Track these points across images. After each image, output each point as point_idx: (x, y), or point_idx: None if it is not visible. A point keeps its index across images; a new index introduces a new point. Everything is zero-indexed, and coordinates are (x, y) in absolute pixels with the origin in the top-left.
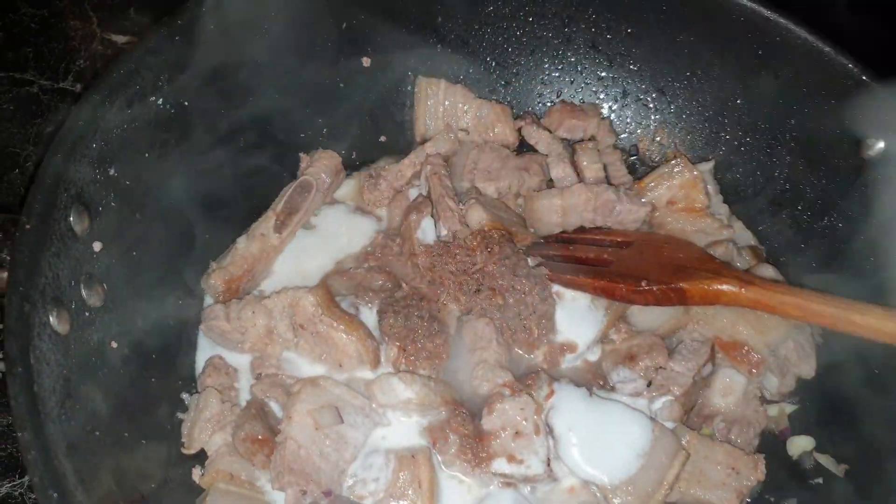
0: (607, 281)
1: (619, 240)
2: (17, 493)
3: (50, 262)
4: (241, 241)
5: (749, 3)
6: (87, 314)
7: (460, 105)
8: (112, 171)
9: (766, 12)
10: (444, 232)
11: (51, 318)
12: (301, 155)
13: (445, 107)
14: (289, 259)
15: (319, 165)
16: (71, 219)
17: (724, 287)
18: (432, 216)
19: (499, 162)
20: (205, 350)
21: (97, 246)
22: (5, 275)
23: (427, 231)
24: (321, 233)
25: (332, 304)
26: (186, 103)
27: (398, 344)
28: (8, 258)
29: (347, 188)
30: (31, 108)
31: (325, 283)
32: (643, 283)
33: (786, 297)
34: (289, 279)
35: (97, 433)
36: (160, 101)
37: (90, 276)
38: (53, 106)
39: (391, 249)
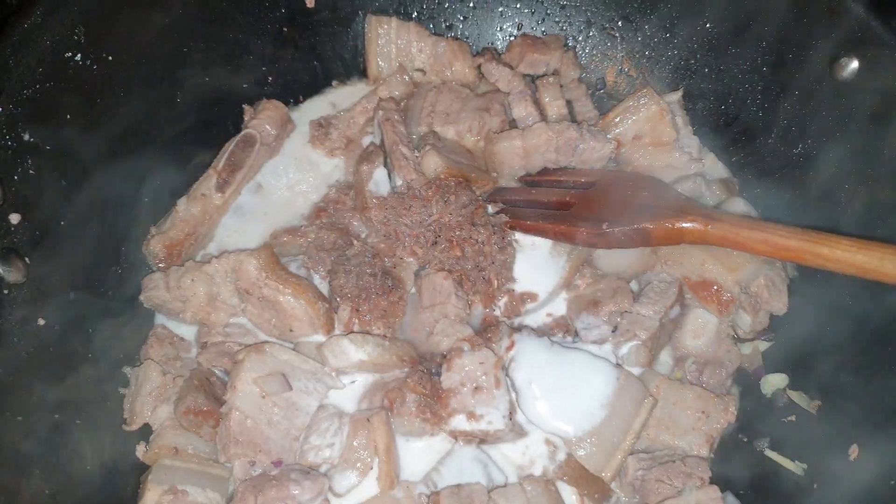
0: (567, 225)
1: (582, 180)
2: None
3: None
4: (182, 203)
5: None
6: (5, 292)
7: (414, 43)
8: (26, 136)
9: None
10: (398, 182)
11: None
12: (244, 107)
13: (398, 46)
14: (233, 220)
15: (263, 117)
16: None
17: (689, 225)
18: (386, 166)
19: (458, 103)
20: (149, 320)
21: (15, 218)
22: None
23: (380, 182)
24: (267, 190)
25: (277, 267)
26: (110, 58)
27: (350, 304)
28: None
29: (296, 139)
30: None
31: (270, 244)
32: (604, 226)
33: (752, 233)
34: (234, 242)
35: (29, 422)
36: (78, 57)
37: (8, 251)
38: None
39: (345, 204)
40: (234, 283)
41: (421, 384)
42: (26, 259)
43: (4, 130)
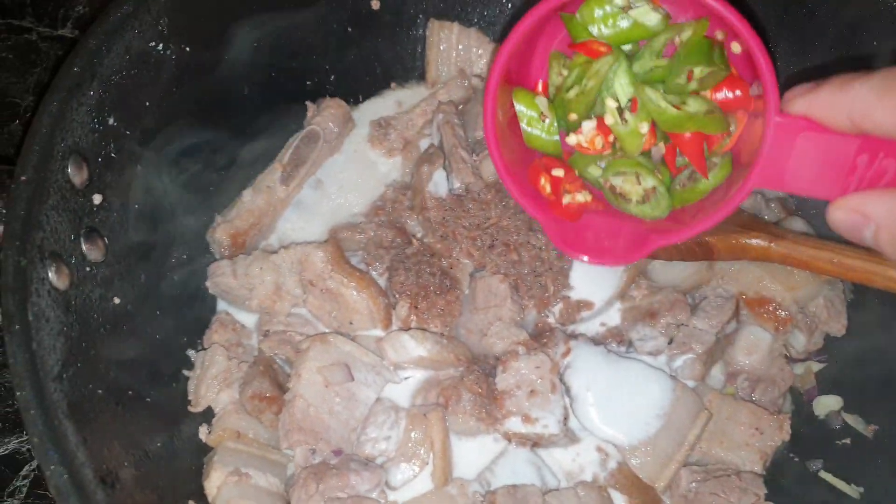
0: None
1: None
2: (24, 449)
3: (47, 216)
4: (247, 194)
5: None
6: (87, 269)
7: (474, 49)
8: (111, 121)
9: None
10: (456, 185)
11: (49, 274)
12: (307, 104)
13: (459, 51)
14: (294, 214)
15: (326, 114)
16: (69, 170)
17: (753, 241)
18: (444, 168)
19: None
20: (212, 305)
21: (97, 198)
22: (0, 228)
23: (439, 184)
24: (327, 186)
25: (342, 260)
26: (188, 49)
27: (409, 301)
28: (3, 211)
29: (356, 138)
30: (29, 56)
31: (335, 238)
32: None
33: (818, 252)
34: (295, 235)
35: (99, 391)
36: (160, 47)
37: (90, 230)
38: (52, 54)
39: (402, 203)
40: (299, 273)
41: (478, 384)
42: (105, 239)
43: (94, 114)
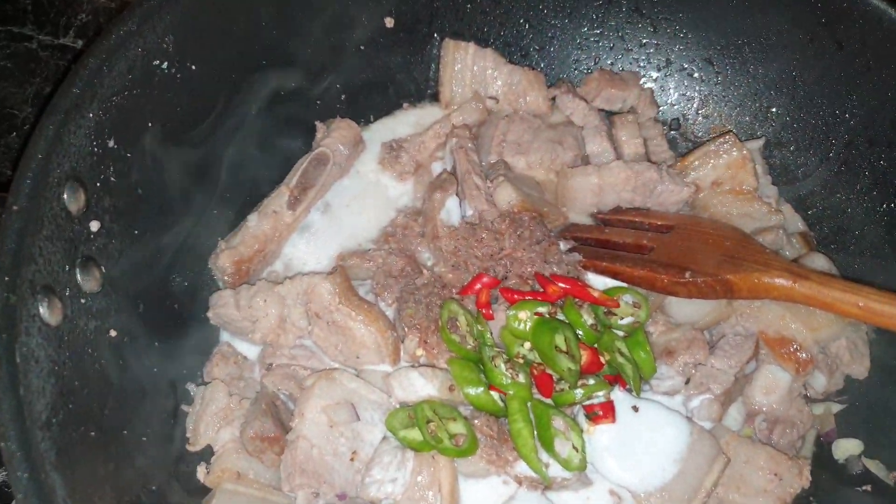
0: (647, 270)
1: (659, 223)
2: None
3: (41, 247)
4: (252, 219)
5: None
6: (82, 301)
7: (490, 71)
8: (112, 143)
9: None
10: (469, 212)
11: (41, 309)
12: (317, 124)
13: (474, 72)
14: (301, 239)
15: (336, 136)
16: (65, 197)
17: (776, 281)
18: (457, 195)
19: (530, 134)
20: (214, 335)
21: (94, 225)
22: None
23: (452, 211)
24: (336, 210)
25: (350, 292)
26: (194, 67)
27: (419, 335)
28: None
29: (366, 160)
30: (29, 65)
31: (343, 267)
32: (686, 274)
33: (843, 295)
34: (301, 261)
35: (92, 433)
36: (164, 65)
37: (87, 259)
38: (53, 64)
39: (412, 230)
40: (305, 305)
41: (488, 426)
42: (102, 268)
43: (92, 137)
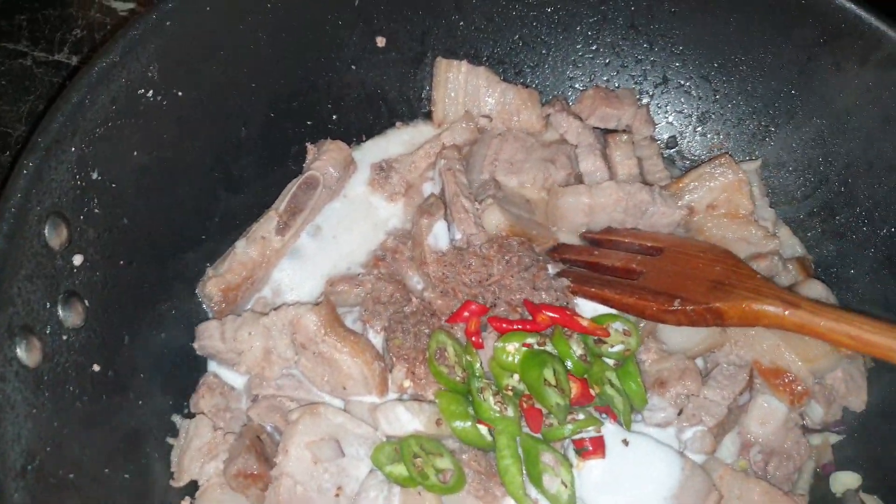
0: (637, 298)
1: (649, 244)
2: None
3: (20, 287)
4: (240, 245)
5: None
6: (63, 337)
7: (483, 89)
8: (95, 175)
9: None
10: (458, 235)
11: (18, 351)
12: (308, 146)
13: (467, 91)
14: (290, 263)
15: (327, 158)
16: (46, 233)
17: (767, 308)
18: (445, 219)
19: (523, 153)
20: (201, 363)
21: (77, 259)
22: None
23: (439, 236)
24: (326, 233)
25: (336, 323)
26: (180, 94)
27: (406, 366)
28: None
29: (357, 181)
30: (23, 83)
31: (329, 299)
32: (676, 303)
33: (835, 325)
34: (290, 285)
35: (71, 475)
36: (150, 94)
37: (69, 294)
38: (48, 81)
39: (402, 254)
40: (291, 335)
41: (476, 460)
42: (86, 302)
43: (75, 170)
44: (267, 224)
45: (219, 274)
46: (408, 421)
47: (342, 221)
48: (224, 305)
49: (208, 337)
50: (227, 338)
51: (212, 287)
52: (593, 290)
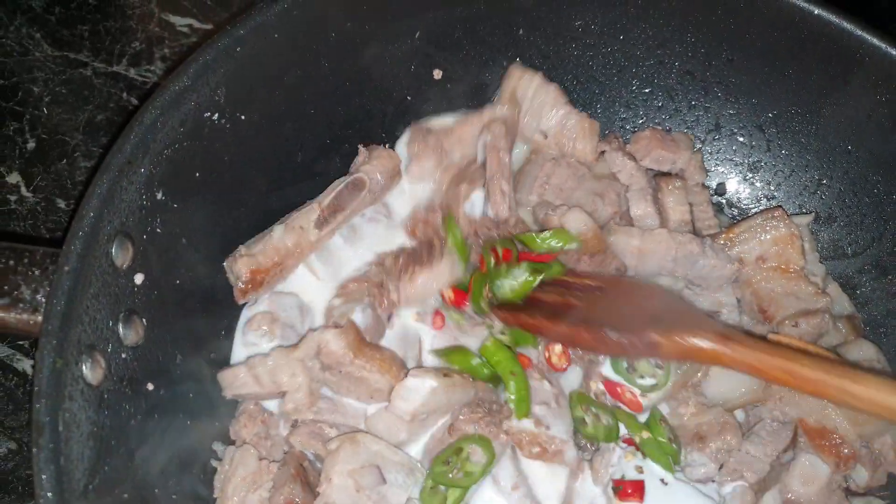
0: (569, 326)
1: (587, 282)
2: None
3: (88, 306)
4: (277, 230)
5: (877, 41)
6: (123, 356)
7: (548, 106)
8: (160, 195)
9: None
10: (489, 213)
11: (84, 370)
12: (360, 147)
13: (532, 103)
14: (318, 259)
15: (377, 164)
16: (113, 252)
17: (700, 343)
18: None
19: (574, 181)
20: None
21: (139, 278)
22: (39, 318)
23: (476, 205)
24: (360, 236)
25: (362, 345)
26: (243, 117)
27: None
28: (43, 300)
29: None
30: (83, 92)
31: (352, 323)
32: (607, 330)
33: (769, 359)
34: (306, 283)
35: (125, 495)
36: (215, 117)
37: (130, 312)
38: (105, 91)
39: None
40: (318, 357)
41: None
42: (144, 320)
43: (143, 190)
44: (308, 215)
45: (251, 254)
46: (420, 384)
47: (375, 229)
48: (249, 287)
49: (241, 385)
50: (264, 382)
51: (242, 265)
52: (525, 317)
